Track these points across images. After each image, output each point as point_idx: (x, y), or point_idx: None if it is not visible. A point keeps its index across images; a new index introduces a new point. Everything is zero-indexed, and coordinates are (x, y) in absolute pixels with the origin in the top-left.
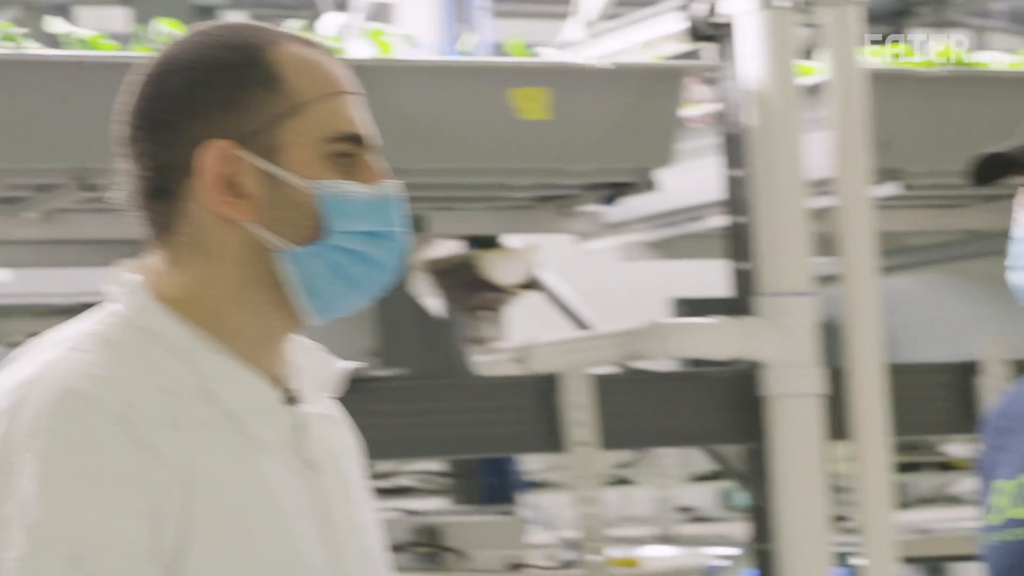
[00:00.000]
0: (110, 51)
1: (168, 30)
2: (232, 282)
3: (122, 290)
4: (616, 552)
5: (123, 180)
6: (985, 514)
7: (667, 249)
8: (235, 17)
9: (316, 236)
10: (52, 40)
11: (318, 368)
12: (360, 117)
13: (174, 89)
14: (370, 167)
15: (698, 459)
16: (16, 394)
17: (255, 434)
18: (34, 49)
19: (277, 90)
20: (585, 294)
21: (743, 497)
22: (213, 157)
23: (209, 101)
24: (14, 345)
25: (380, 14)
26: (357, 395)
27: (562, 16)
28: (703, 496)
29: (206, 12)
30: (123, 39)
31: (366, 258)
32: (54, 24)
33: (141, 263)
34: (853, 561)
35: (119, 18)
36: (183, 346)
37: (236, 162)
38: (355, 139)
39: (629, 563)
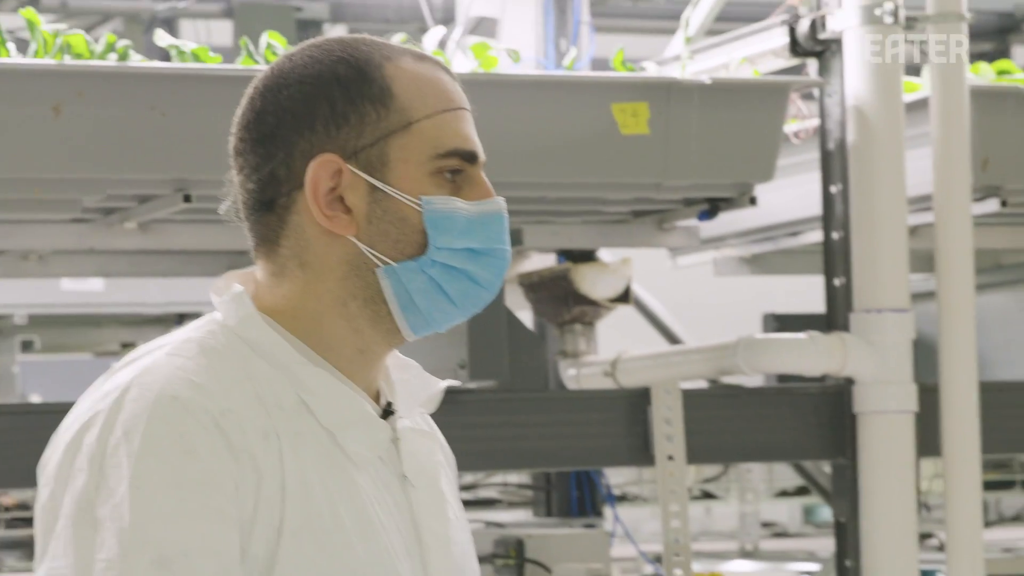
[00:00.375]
0: (213, 64)
1: (275, 44)
2: (332, 296)
3: (224, 299)
4: (699, 566)
5: (231, 191)
6: None
7: (761, 264)
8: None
9: (418, 252)
10: (155, 52)
11: (415, 385)
12: (469, 133)
13: (286, 102)
14: (478, 184)
15: (781, 474)
16: (112, 397)
17: (348, 448)
18: (138, 61)
19: (389, 106)
20: (677, 309)
21: (826, 513)
22: (320, 171)
23: (320, 115)
24: (107, 354)
25: (484, 28)
26: (447, 407)
27: (665, 31)
28: (786, 512)
29: (310, 25)
30: (225, 52)
31: (468, 275)
32: (160, 36)
33: (244, 274)
34: None
35: (223, 31)
36: (282, 358)
37: (343, 176)
38: (463, 155)
39: None
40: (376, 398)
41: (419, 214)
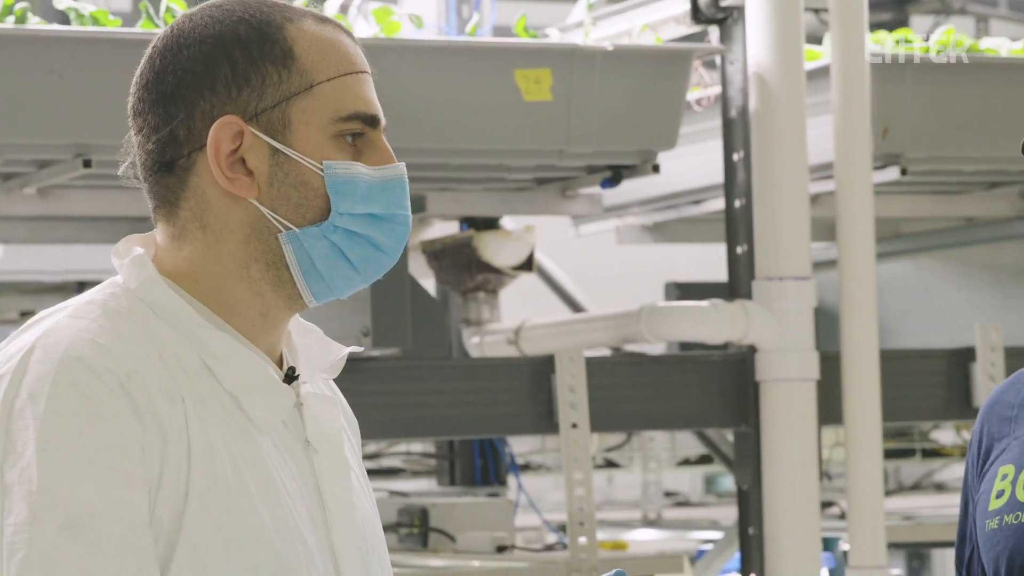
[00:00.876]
0: (113, 27)
1: (175, 7)
2: (233, 259)
3: (125, 262)
4: (603, 535)
5: (129, 153)
6: (987, 498)
7: (664, 232)
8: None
9: (320, 217)
10: (54, 15)
11: (317, 350)
12: (371, 97)
13: (186, 63)
14: (379, 148)
15: (684, 443)
16: (15, 359)
17: (251, 413)
18: (36, 24)
19: (291, 68)
20: (580, 277)
21: (727, 482)
22: (221, 132)
23: (221, 76)
24: (6, 322)
25: None
26: (350, 374)
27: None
28: (687, 481)
29: None
30: (125, 16)
31: (370, 241)
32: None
33: (145, 237)
34: (840, 546)
35: None
36: (184, 321)
37: (244, 138)
38: (365, 119)
39: (617, 546)
40: (279, 363)
41: (321, 179)
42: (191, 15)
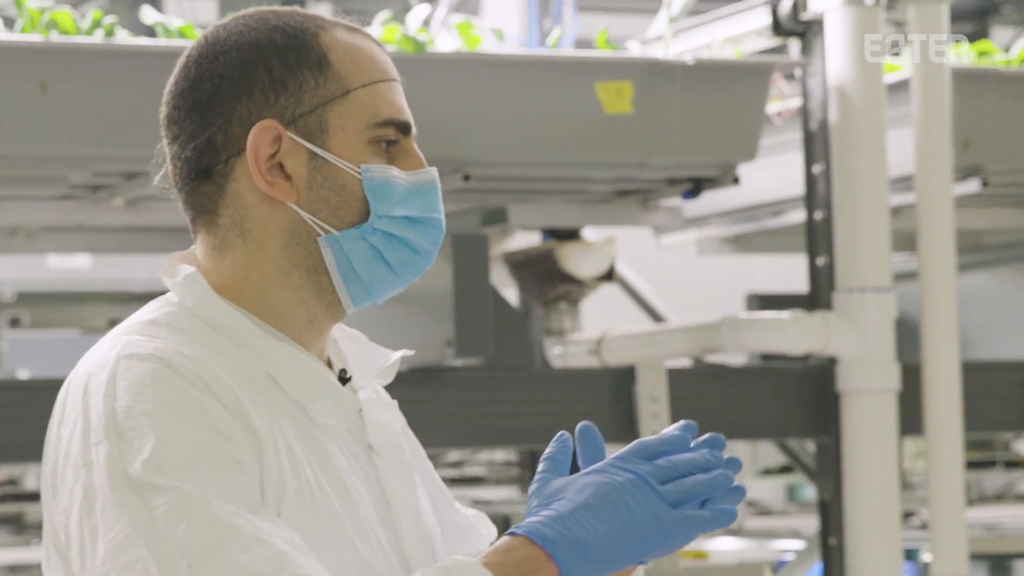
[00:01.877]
0: None
1: None
2: (274, 266)
3: (178, 281)
4: None
5: (161, 165)
6: None
7: (744, 244)
8: (323, 9)
9: (358, 220)
10: (141, 29)
11: (364, 356)
12: (403, 104)
13: (223, 69)
14: (411, 155)
15: (765, 453)
16: (104, 373)
17: (317, 420)
18: (124, 38)
19: (327, 74)
20: (661, 288)
21: (809, 491)
22: (261, 136)
23: (259, 82)
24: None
25: (468, 7)
26: (432, 383)
27: (648, 11)
28: (769, 490)
29: (294, 3)
30: None
31: (407, 243)
32: (147, 13)
33: (187, 255)
34: (922, 557)
35: (207, 8)
36: (244, 334)
37: (283, 143)
38: (398, 125)
39: (698, 555)
40: (331, 369)
41: (359, 182)
42: (225, 25)
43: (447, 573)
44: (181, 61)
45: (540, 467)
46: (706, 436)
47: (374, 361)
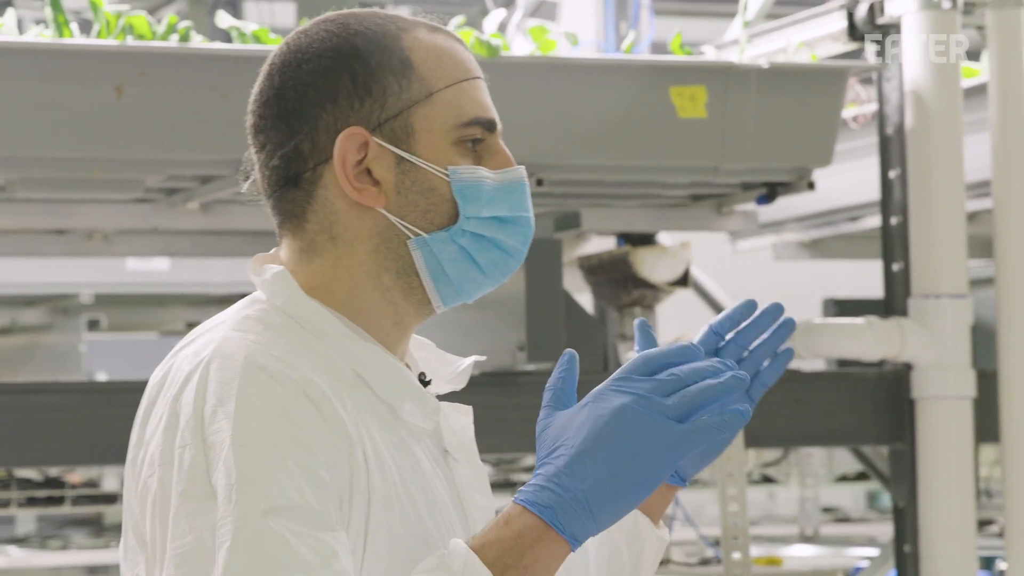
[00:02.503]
0: (273, 45)
1: None
2: (364, 269)
3: (267, 279)
4: (759, 551)
5: (252, 170)
6: None
7: (820, 249)
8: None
9: (447, 222)
10: (218, 32)
11: (433, 363)
12: (487, 102)
13: (306, 76)
14: (498, 152)
15: (842, 459)
16: (198, 371)
17: (407, 421)
18: (199, 42)
19: (410, 77)
20: (737, 292)
21: (889, 498)
22: (347, 143)
23: (343, 88)
24: (172, 333)
25: (544, 11)
26: (504, 387)
27: (724, 15)
28: (849, 496)
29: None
30: (287, 33)
31: (496, 244)
32: (221, 18)
33: (271, 256)
34: (999, 565)
35: (286, 12)
36: (334, 333)
37: (370, 148)
38: (484, 124)
39: (772, 561)
40: (413, 371)
41: (447, 184)
42: (306, 31)
43: (440, 561)
44: (264, 69)
45: (544, 399)
46: (765, 306)
47: (443, 368)
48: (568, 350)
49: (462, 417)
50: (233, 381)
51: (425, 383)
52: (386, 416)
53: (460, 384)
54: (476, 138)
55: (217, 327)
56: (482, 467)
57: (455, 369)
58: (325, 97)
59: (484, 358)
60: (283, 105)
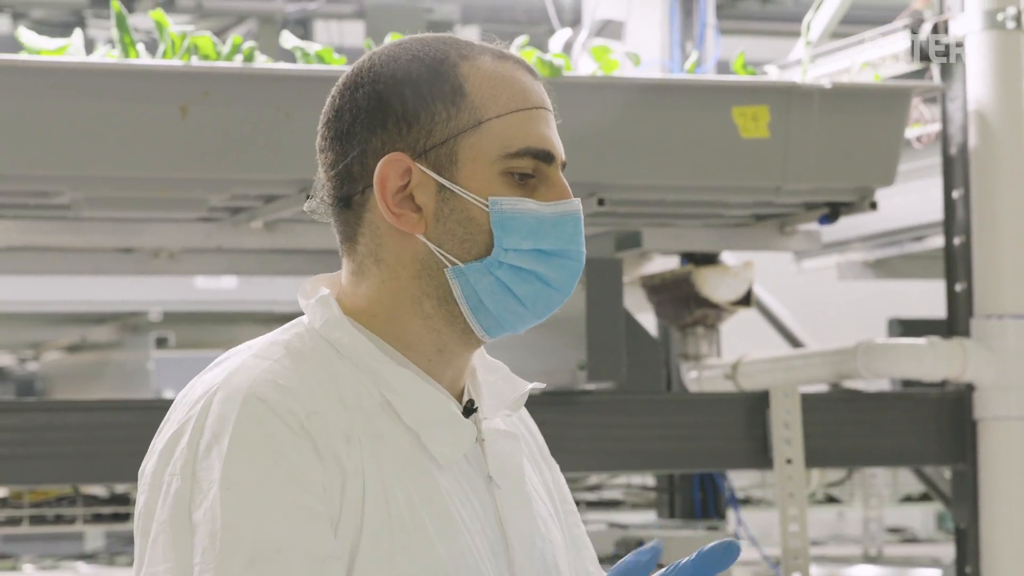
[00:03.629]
0: (336, 65)
1: None
2: (407, 294)
3: (311, 302)
4: (822, 571)
5: (317, 189)
6: None
7: (885, 268)
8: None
9: (484, 252)
10: (282, 54)
11: (503, 387)
12: (545, 133)
13: (361, 101)
14: (554, 184)
15: (907, 480)
16: (202, 401)
17: (432, 449)
18: (263, 62)
19: (460, 105)
20: (801, 312)
21: None
22: (388, 169)
23: (392, 114)
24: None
25: (610, 31)
26: (565, 407)
27: (789, 34)
28: (918, 517)
29: (441, 26)
30: (354, 53)
31: (538, 277)
32: (286, 38)
33: (332, 277)
34: None
35: (356, 33)
36: (366, 358)
37: (412, 175)
38: (537, 154)
39: None
40: (458, 397)
41: (486, 214)
42: (373, 53)
43: None
44: (332, 90)
45: None
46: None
47: (512, 392)
48: (734, 543)
49: (510, 443)
50: (231, 415)
51: (472, 410)
52: (408, 443)
53: (517, 408)
54: (526, 171)
55: (246, 349)
56: (529, 494)
57: (516, 394)
58: (376, 121)
59: (543, 386)
60: (339, 127)
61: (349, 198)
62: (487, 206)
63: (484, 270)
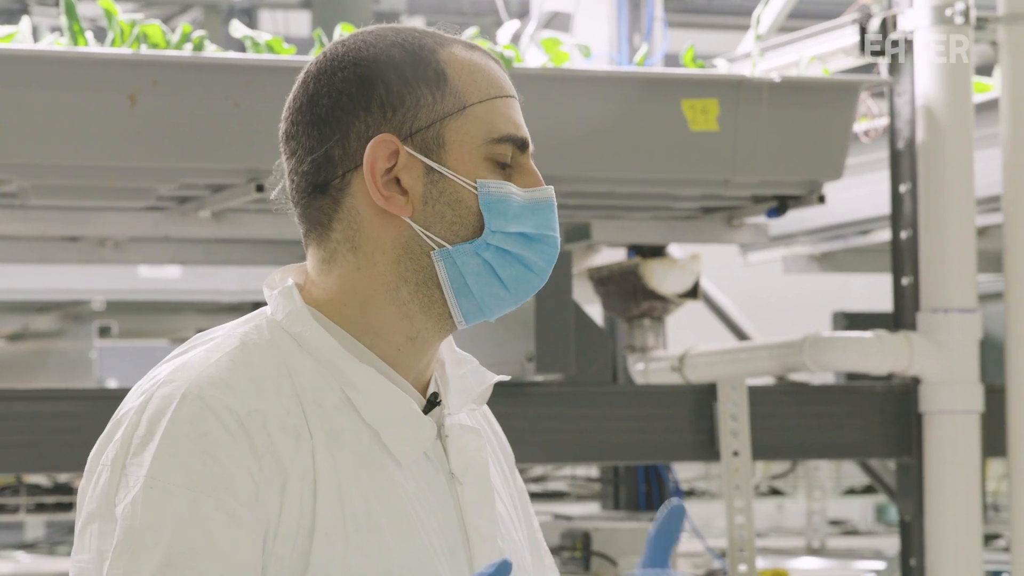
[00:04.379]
0: (287, 55)
1: None
2: (383, 280)
3: (275, 294)
4: (766, 563)
5: (280, 179)
6: None
7: (831, 262)
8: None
9: (472, 235)
10: (232, 42)
11: (471, 381)
12: (520, 121)
13: (341, 84)
14: (528, 172)
15: (850, 472)
16: (145, 395)
17: (392, 447)
18: (213, 52)
19: (444, 89)
20: (748, 305)
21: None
22: (378, 150)
23: (376, 97)
24: (183, 340)
25: (558, 23)
26: (513, 399)
27: (737, 28)
28: (858, 510)
29: (387, 18)
30: (301, 43)
31: (521, 260)
32: (235, 27)
33: (299, 267)
34: None
35: (301, 22)
36: (328, 354)
37: (400, 157)
38: (516, 141)
39: (779, 574)
40: (425, 388)
41: (475, 197)
42: (343, 41)
43: None
44: (300, 78)
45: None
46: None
47: (479, 385)
48: (676, 503)
49: (475, 439)
50: (166, 412)
51: (435, 403)
52: (367, 441)
53: (482, 401)
54: (505, 157)
55: (206, 341)
56: (490, 490)
57: (477, 388)
58: (358, 104)
59: (508, 377)
60: (316, 111)
61: (327, 184)
62: (476, 188)
63: (472, 252)
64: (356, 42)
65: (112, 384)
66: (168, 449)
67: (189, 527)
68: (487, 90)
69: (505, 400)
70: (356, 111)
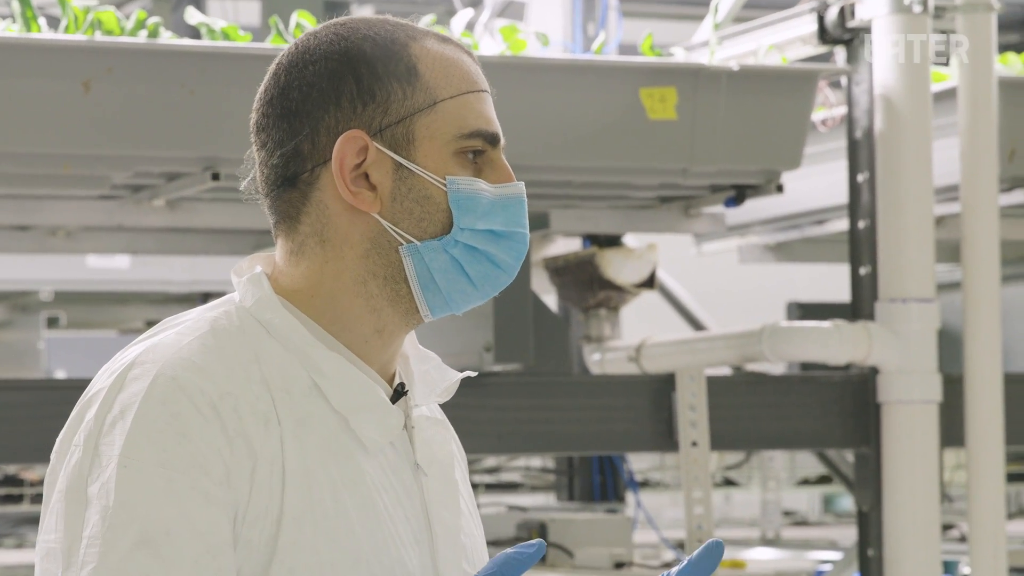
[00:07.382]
0: (243, 43)
1: (305, 23)
2: (351, 273)
3: (243, 280)
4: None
5: (251, 169)
6: None
7: (786, 252)
8: (365, 12)
9: (441, 231)
10: (184, 29)
11: (434, 376)
12: (492, 116)
13: (311, 78)
14: (499, 167)
15: (803, 463)
16: (116, 375)
17: (360, 433)
18: (168, 39)
19: (415, 85)
20: (702, 295)
21: (846, 502)
22: (346, 146)
23: (347, 91)
24: (132, 331)
25: (512, 11)
26: (471, 389)
27: (694, 17)
28: (806, 500)
29: (337, 7)
30: (253, 31)
31: (489, 257)
32: (191, 14)
33: (267, 256)
34: (961, 570)
35: (250, 10)
36: (296, 340)
37: (369, 153)
38: (486, 137)
39: (736, 565)
40: (390, 381)
41: (444, 193)
42: (315, 33)
43: None
44: (271, 68)
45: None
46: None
47: (443, 382)
48: (717, 541)
49: (440, 431)
50: (139, 393)
51: (402, 393)
52: (334, 428)
53: (446, 397)
54: (477, 150)
55: (174, 325)
56: (454, 482)
57: (446, 383)
58: (328, 99)
59: (475, 374)
60: (286, 104)
61: (295, 177)
62: (445, 185)
63: (440, 248)
64: (328, 35)
65: (60, 375)
66: (141, 428)
67: (164, 505)
68: (458, 85)
69: (463, 390)
70: (326, 105)
